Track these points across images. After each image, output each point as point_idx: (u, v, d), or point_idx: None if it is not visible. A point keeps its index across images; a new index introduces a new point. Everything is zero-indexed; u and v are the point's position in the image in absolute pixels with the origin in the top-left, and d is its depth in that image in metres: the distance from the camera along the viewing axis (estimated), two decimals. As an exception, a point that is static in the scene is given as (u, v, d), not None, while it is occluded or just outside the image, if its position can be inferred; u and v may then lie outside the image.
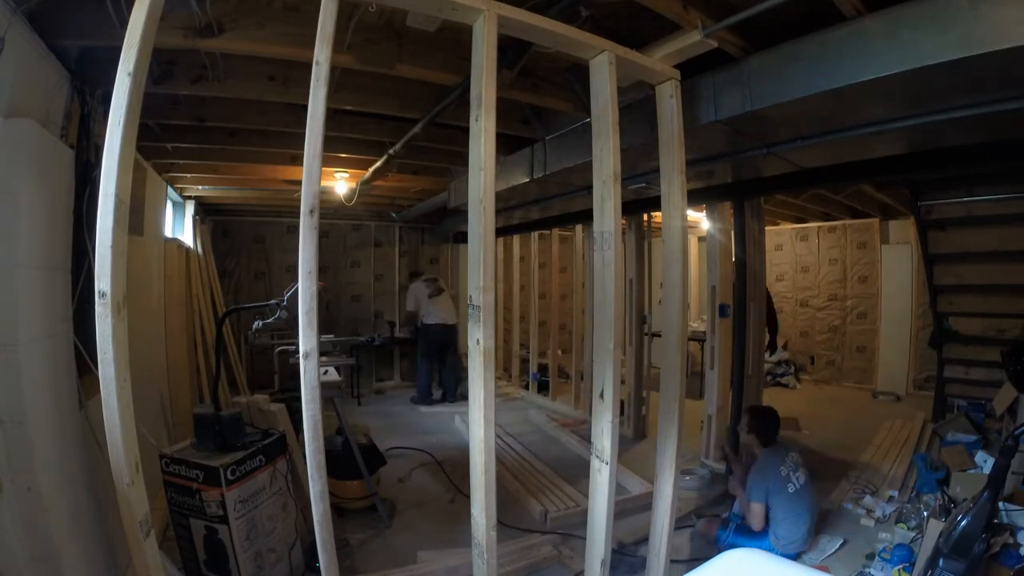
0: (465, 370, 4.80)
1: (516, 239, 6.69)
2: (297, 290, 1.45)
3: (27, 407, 1.60)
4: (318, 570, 1.59)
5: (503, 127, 3.02)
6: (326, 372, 3.30)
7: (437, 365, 6.22)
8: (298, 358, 1.44)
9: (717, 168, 3.02)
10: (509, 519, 3.08)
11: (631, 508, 3.21)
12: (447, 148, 3.82)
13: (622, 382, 3.91)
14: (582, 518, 2.05)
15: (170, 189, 4.46)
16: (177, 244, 4.45)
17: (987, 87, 1.77)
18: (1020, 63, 1.52)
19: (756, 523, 2.69)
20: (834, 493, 3.39)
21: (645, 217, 4.89)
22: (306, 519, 2.53)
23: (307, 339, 1.44)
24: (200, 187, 5.02)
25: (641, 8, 1.87)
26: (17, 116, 1.63)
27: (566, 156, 3.20)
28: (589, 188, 2.20)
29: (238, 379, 5.66)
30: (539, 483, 3.59)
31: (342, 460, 3.04)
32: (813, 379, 7.05)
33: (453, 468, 3.93)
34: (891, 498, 3.27)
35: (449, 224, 6.82)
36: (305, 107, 1.43)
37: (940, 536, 2.13)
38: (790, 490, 2.69)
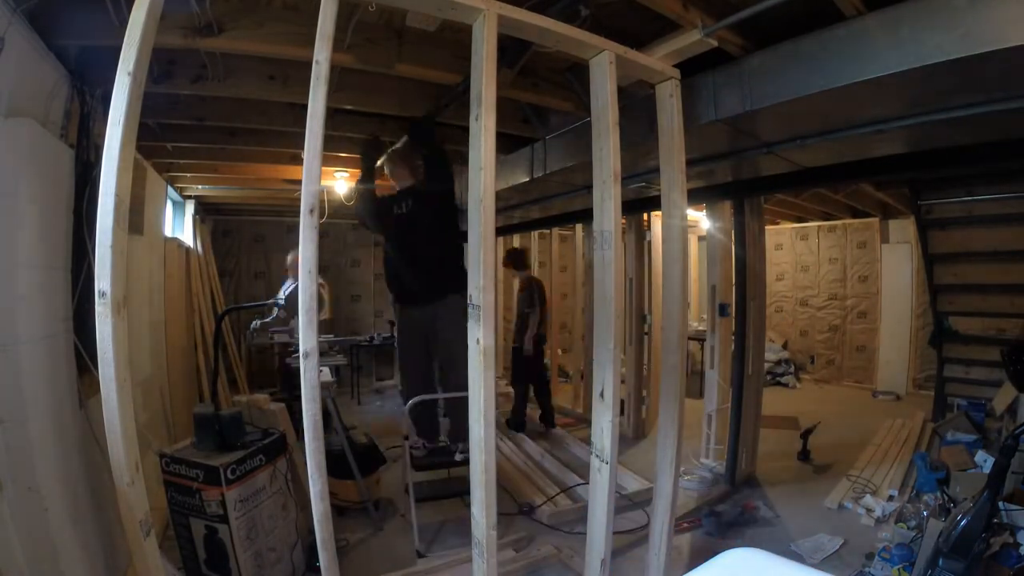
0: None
1: (516, 238, 6.69)
2: (294, 289, 1.45)
3: (27, 407, 1.60)
4: (318, 569, 1.59)
5: (503, 126, 3.01)
6: (320, 372, 3.30)
7: None
8: (295, 358, 1.44)
9: (717, 167, 3.01)
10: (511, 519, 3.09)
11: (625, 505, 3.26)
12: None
13: (622, 382, 3.91)
14: (580, 515, 2.06)
15: (170, 188, 4.46)
16: (177, 243, 4.45)
17: (987, 87, 1.77)
18: (1020, 62, 1.51)
19: None
20: (834, 493, 3.39)
21: (645, 217, 4.89)
22: (306, 518, 2.53)
23: (307, 339, 1.44)
24: (200, 186, 5.02)
25: (641, 7, 1.87)
26: (17, 116, 1.63)
27: (566, 155, 3.20)
28: (589, 187, 2.20)
29: (238, 378, 5.66)
30: (540, 483, 3.59)
31: (342, 460, 3.05)
32: (813, 378, 7.05)
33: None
34: (891, 498, 3.27)
35: (449, 223, 6.81)
36: (305, 106, 1.43)
37: (940, 536, 2.13)
38: None
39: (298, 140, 1.67)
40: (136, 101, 1.36)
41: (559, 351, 6.42)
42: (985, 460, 3.30)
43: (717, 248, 3.93)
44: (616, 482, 1.88)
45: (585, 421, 5.16)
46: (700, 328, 5.61)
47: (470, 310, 1.62)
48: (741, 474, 3.63)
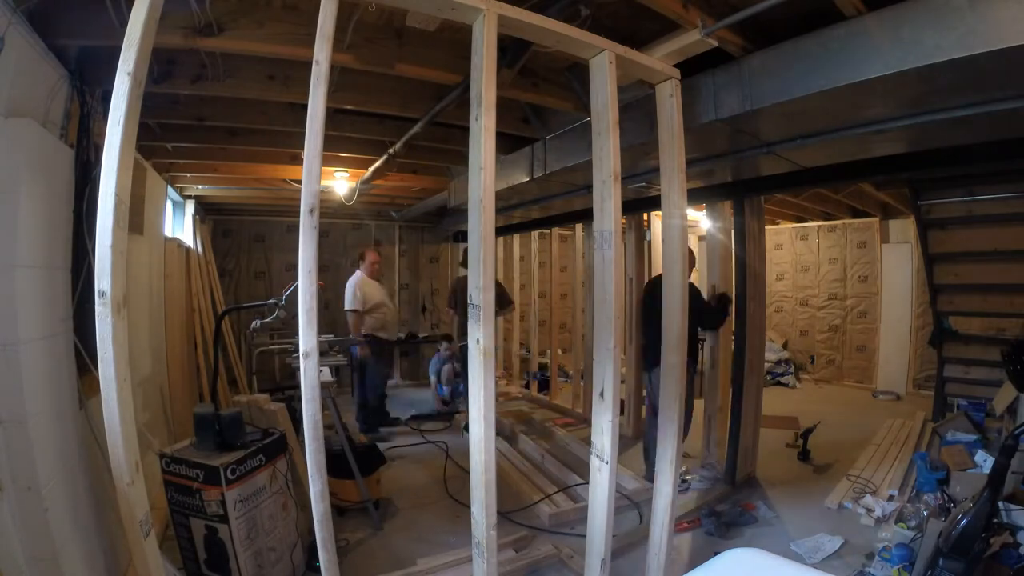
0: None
1: (516, 238, 6.69)
2: (296, 289, 1.45)
3: (27, 407, 1.60)
4: (318, 569, 1.59)
5: (503, 126, 3.02)
6: (320, 372, 3.31)
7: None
8: (295, 357, 1.44)
9: (717, 167, 3.01)
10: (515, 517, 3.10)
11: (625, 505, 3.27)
12: (447, 147, 3.82)
13: (622, 382, 3.91)
14: (580, 515, 2.06)
15: (170, 188, 4.46)
16: (177, 243, 4.44)
17: (987, 86, 1.77)
18: (1019, 62, 1.51)
19: None
20: (834, 493, 3.39)
21: (645, 217, 4.89)
22: (306, 518, 2.53)
23: (307, 339, 1.44)
24: (200, 186, 5.02)
25: (641, 7, 1.87)
26: (17, 116, 1.63)
27: (566, 155, 3.20)
28: (589, 187, 2.20)
29: (238, 378, 5.66)
30: (539, 482, 3.59)
31: (342, 459, 3.05)
32: (813, 378, 7.05)
33: (453, 468, 3.93)
34: (891, 498, 3.27)
35: (449, 223, 6.82)
36: (305, 106, 1.43)
37: (940, 536, 2.14)
38: None
39: (298, 140, 1.67)
40: (136, 101, 1.37)
41: (559, 351, 6.42)
42: (985, 460, 3.30)
43: (717, 248, 3.93)
44: (616, 482, 1.88)
45: (585, 421, 5.16)
46: (700, 328, 5.60)
47: (470, 310, 1.62)
48: (741, 474, 3.63)
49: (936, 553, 2.11)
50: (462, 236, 7.36)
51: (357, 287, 4.80)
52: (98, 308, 1.32)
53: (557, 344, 6.29)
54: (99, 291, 1.32)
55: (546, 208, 4.83)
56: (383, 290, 5.12)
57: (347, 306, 4.79)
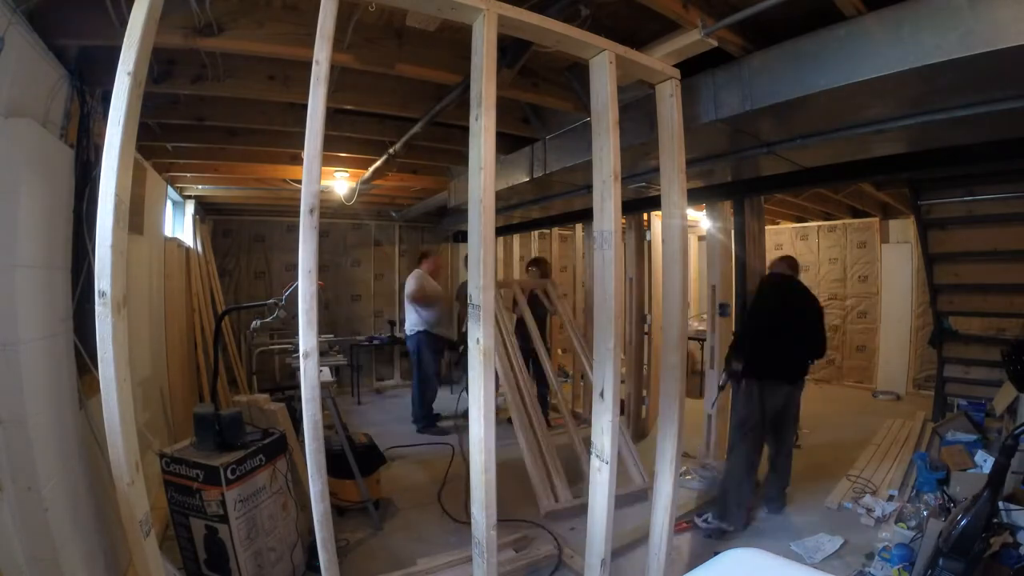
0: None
1: (516, 238, 6.69)
2: (295, 289, 1.45)
3: (27, 407, 1.60)
4: (318, 569, 1.59)
5: (503, 126, 3.02)
6: (320, 371, 3.31)
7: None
8: (295, 357, 1.44)
9: (717, 167, 3.02)
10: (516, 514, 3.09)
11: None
12: (447, 147, 3.82)
13: (622, 382, 3.91)
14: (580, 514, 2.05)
15: (170, 188, 4.46)
16: (177, 243, 4.45)
17: (987, 86, 1.77)
18: (1019, 62, 1.52)
19: None
20: (834, 493, 3.39)
21: (645, 217, 4.89)
22: (306, 518, 2.53)
23: (307, 339, 1.44)
24: (200, 186, 5.02)
25: (641, 7, 1.87)
26: (17, 116, 1.63)
27: (566, 155, 3.20)
28: (589, 187, 2.20)
29: (238, 378, 5.66)
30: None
31: (341, 459, 3.05)
32: (813, 378, 7.01)
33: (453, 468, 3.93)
34: (891, 498, 3.27)
35: (449, 223, 6.82)
36: (305, 106, 1.43)
37: (940, 536, 2.13)
38: None
39: (298, 140, 1.67)
40: (136, 101, 1.37)
41: (559, 351, 6.42)
42: (985, 460, 3.30)
43: (717, 248, 3.93)
44: (616, 482, 1.88)
45: (585, 421, 5.16)
46: (700, 328, 5.61)
47: (470, 310, 1.62)
48: (741, 474, 3.62)
49: (936, 553, 2.11)
50: (462, 236, 7.36)
51: (423, 280, 5.16)
52: (98, 308, 1.32)
53: (557, 344, 6.29)
54: (99, 291, 1.32)
55: (546, 208, 4.83)
56: (442, 292, 5.47)
57: (409, 291, 5.08)
